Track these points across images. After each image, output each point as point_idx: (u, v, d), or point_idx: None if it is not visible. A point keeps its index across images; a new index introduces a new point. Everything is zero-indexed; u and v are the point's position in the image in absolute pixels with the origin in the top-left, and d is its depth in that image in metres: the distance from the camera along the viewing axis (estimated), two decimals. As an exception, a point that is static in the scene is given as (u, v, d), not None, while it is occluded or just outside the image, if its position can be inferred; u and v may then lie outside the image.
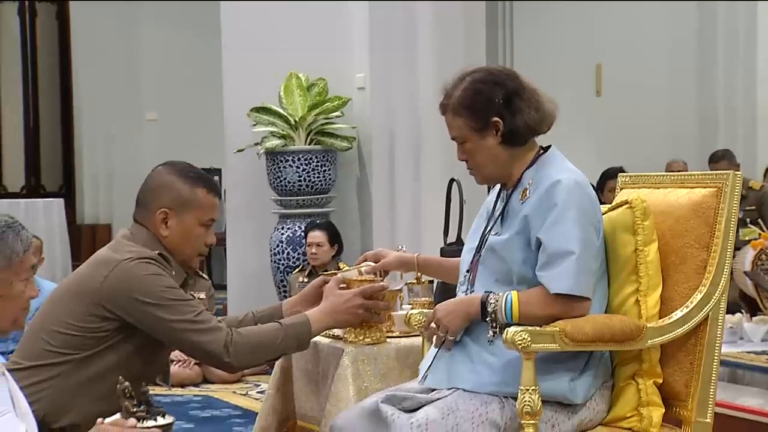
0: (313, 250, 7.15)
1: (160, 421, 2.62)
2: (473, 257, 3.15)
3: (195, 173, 3.21)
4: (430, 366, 3.13)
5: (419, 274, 3.78)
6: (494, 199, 3.21)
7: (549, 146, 3.15)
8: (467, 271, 3.17)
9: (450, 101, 3.11)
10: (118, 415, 2.61)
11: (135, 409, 2.60)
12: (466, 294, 3.12)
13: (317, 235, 7.17)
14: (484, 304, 2.99)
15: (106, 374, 3.00)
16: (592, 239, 3.00)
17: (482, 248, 3.12)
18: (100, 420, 2.60)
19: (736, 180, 3.12)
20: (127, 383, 2.59)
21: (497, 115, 3.05)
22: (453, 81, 3.13)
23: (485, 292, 3.02)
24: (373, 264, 3.65)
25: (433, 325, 3.09)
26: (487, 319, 2.99)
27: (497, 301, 2.98)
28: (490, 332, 2.99)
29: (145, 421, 2.59)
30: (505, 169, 3.11)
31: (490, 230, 3.13)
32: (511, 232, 3.04)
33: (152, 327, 3.04)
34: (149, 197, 3.17)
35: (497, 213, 3.14)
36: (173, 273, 3.13)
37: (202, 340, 3.03)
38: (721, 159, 9.14)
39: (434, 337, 3.10)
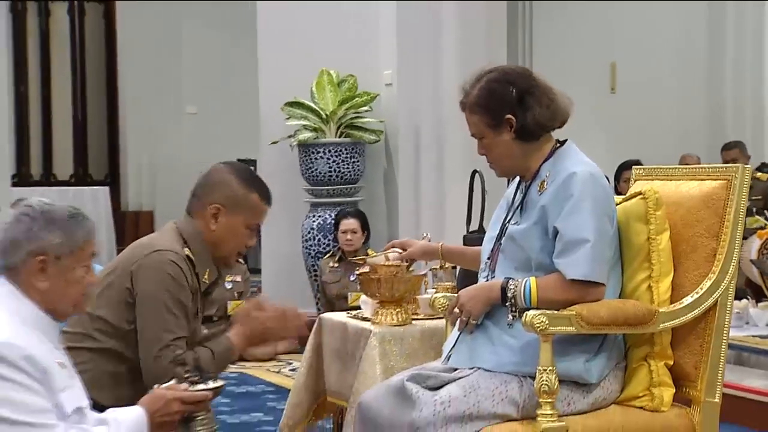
0: (348, 237, 7.14)
1: (211, 384, 2.64)
2: (494, 245, 3.14)
3: (252, 178, 3.19)
4: (453, 347, 3.12)
5: (443, 261, 3.76)
6: (514, 191, 3.20)
7: (565, 140, 3.14)
8: (488, 259, 3.16)
9: (467, 100, 3.11)
10: (173, 381, 2.64)
11: (187, 375, 2.63)
12: (487, 280, 3.11)
13: (351, 223, 7.16)
14: (504, 289, 2.98)
15: (137, 363, 3.00)
16: (606, 228, 2.99)
17: (502, 237, 3.11)
18: (156, 385, 2.62)
19: (746, 173, 3.10)
20: (179, 351, 2.61)
21: (510, 112, 3.04)
22: (470, 80, 3.12)
23: (505, 278, 3.02)
24: (399, 251, 3.66)
25: (456, 309, 3.09)
26: (507, 303, 2.98)
27: (516, 286, 2.97)
28: (510, 316, 2.98)
29: (196, 385, 2.62)
30: (521, 163, 3.10)
31: (510, 220, 3.12)
32: (530, 221, 3.03)
33: (141, 316, 3.00)
34: (205, 191, 3.16)
35: (516, 204, 3.13)
36: (205, 277, 3.12)
37: (151, 367, 2.95)
38: (733, 147, 9.12)
39: (457, 321, 3.10)
